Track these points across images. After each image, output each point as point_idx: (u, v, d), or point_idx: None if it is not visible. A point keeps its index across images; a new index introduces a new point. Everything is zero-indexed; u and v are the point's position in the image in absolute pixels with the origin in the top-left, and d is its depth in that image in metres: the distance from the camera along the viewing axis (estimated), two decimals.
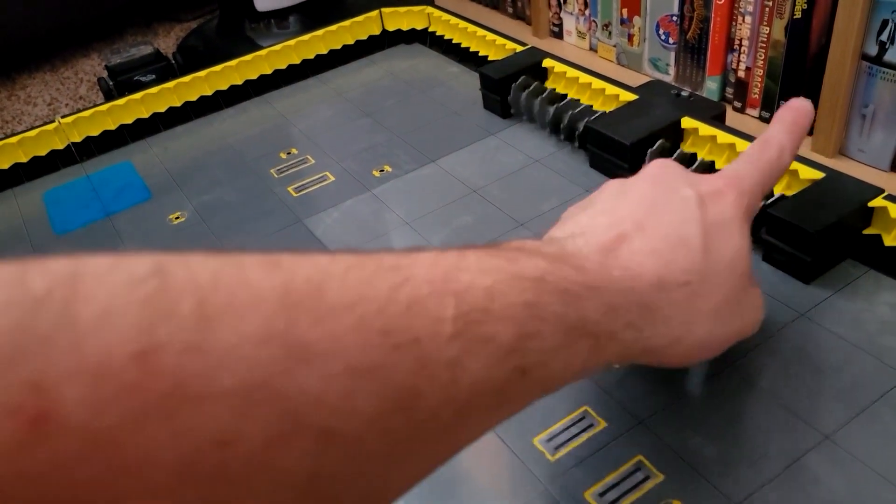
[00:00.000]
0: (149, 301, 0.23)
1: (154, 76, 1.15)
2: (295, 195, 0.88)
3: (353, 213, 0.83)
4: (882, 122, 0.72)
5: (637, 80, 0.98)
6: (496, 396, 0.31)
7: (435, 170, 0.88)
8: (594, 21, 1.04)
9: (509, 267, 0.32)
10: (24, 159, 0.98)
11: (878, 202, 0.62)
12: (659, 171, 0.45)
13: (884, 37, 0.68)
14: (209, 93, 1.08)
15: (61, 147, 1.00)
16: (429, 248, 0.34)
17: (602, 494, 0.49)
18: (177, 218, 0.87)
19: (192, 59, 1.28)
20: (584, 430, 0.54)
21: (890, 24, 0.67)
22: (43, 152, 0.99)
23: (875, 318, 0.59)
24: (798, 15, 0.75)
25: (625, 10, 0.96)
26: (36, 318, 0.21)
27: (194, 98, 1.07)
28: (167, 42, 1.41)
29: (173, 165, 0.98)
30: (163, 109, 1.05)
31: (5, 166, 0.97)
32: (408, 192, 0.85)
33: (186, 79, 1.06)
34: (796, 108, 0.53)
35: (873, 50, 0.70)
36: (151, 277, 0.24)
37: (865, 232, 0.63)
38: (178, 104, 1.06)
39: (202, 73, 1.07)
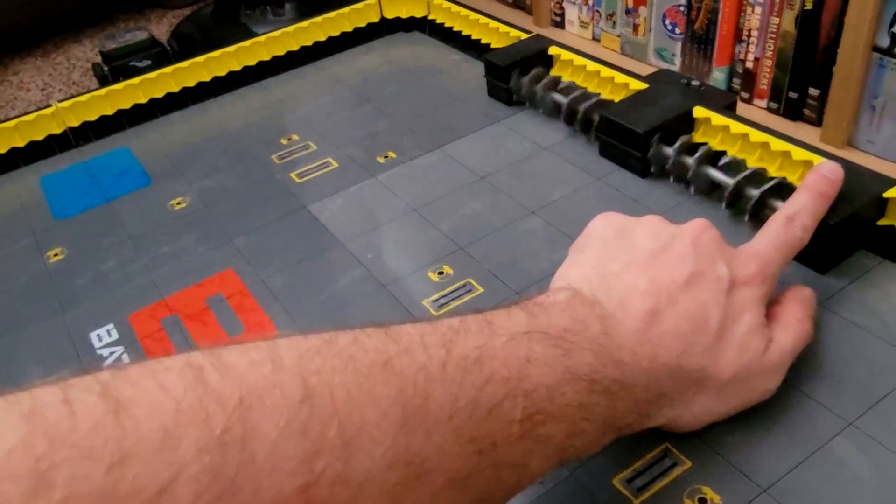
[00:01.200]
0: (305, 431, 0.25)
1: (150, 62, 1.13)
2: (298, 181, 0.87)
3: (358, 199, 0.82)
4: (892, 114, 0.72)
5: (642, 70, 0.98)
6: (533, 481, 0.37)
7: (441, 156, 0.87)
8: (598, 11, 1.03)
9: (566, 361, 0.36)
10: (21, 144, 0.96)
11: (893, 193, 0.62)
12: (701, 233, 0.46)
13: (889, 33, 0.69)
14: (207, 79, 1.06)
15: (58, 132, 0.98)
16: (505, 313, 0.38)
17: (630, 481, 0.49)
18: (178, 203, 0.86)
19: (187, 45, 1.26)
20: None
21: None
22: (40, 137, 0.97)
23: (890, 308, 0.59)
24: (809, 6, 0.75)
25: (630, 0, 0.96)
26: (223, 462, 0.23)
27: (192, 84, 1.05)
28: (160, 29, 1.38)
29: (172, 151, 0.96)
30: (160, 95, 1.03)
31: (2, 151, 0.95)
32: (413, 179, 0.84)
33: (185, 64, 1.04)
34: (826, 177, 0.54)
35: (885, 41, 0.70)
36: (303, 403, 0.26)
37: (880, 223, 0.64)
38: (176, 90, 1.05)
39: (200, 59, 1.05)
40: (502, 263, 0.70)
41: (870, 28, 0.70)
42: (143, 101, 1.03)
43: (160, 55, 1.16)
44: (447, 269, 0.70)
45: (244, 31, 1.23)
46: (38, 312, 0.72)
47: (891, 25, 0.70)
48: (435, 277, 0.70)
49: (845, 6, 0.72)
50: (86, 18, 1.39)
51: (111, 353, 0.67)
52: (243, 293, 0.71)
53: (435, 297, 0.67)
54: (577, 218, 0.74)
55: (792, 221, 0.50)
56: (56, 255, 0.80)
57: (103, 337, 0.68)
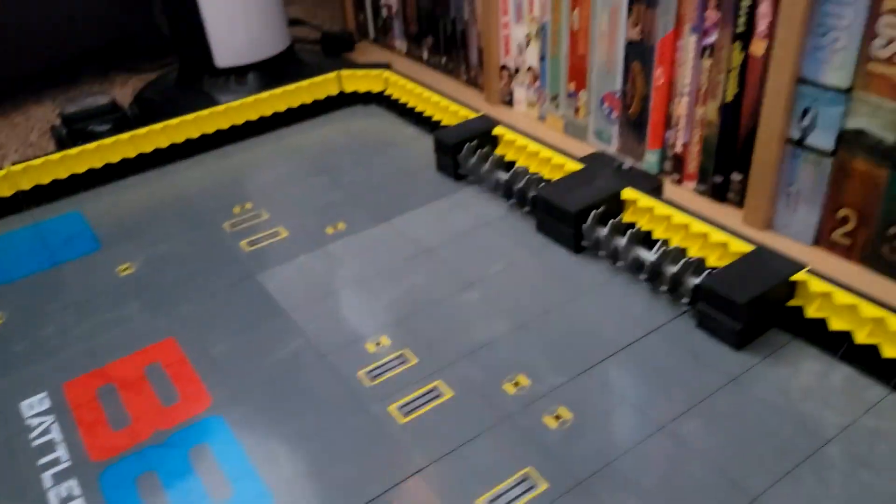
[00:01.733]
0: None
1: (109, 126, 1.15)
2: (248, 249, 0.89)
3: (305, 270, 0.84)
4: (805, 200, 0.78)
5: (583, 149, 1.03)
6: None
7: (388, 229, 0.90)
8: (543, 92, 1.09)
9: None
10: None
11: (800, 276, 0.67)
12: None
13: (805, 122, 0.74)
14: (165, 146, 1.09)
15: (8, 195, 0.99)
16: None
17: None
18: (125, 270, 0.87)
19: (149, 110, 1.29)
20: (526, 492, 0.55)
21: (810, 112, 0.74)
22: None
23: (798, 386, 0.63)
24: (730, 99, 0.81)
25: (572, 85, 1.02)
26: None
27: (149, 150, 1.08)
28: (124, 92, 1.41)
29: (125, 217, 0.98)
30: (116, 160, 1.06)
31: None
32: (361, 251, 0.87)
33: (142, 131, 1.07)
34: None
35: (797, 134, 0.76)
36: None
37: (789, 304, 0.68)
38: (133, 156, 1.07)
39: (158, 127, 1.08)
40: (438, 335, 0.72)
41: (783, 121, 0.76)
42: (98, 165, 1.04)
43: (120, 120, 1.18)
44: (385, 341, 0.72)
45: (207, 98, 1.27)
46: None
47: (801, 119, 0.75)
48: (372, 348, 0.72)
49: (762, 100, 0.78)
50: (49, 79, 1.42)
51: (40, 423, 0.67)
52: (182, 362, 0.72)
53: (370, 367, 0.69)
54: (512, 292, 0.77)
55: None
56: None
57: (34, 406, 0.68)
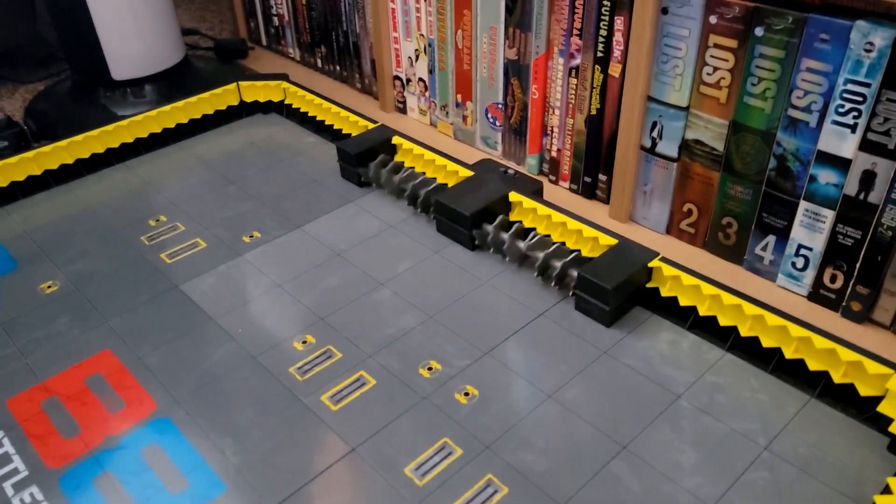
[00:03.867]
0: None
1: (6, 143, 1.15)
2: (168, 261, 0.94)
3: (227, 277, 0.91)
4: (657, 197, 0.93)
5: (472, 154, 1.15)
6: None
7: (301, 235, 0.99)
8: (433, 102, 1.20)
9: None
10: None
11: (655, 263, 0.81)
12: None
13: (655, 133, 0.89)
14: (70, 161, 1.11)
15: None
16: None
17: None
18: (49, 287, 0.91)
19: (43, 123, 1.29)
20: (444, 458, 0.67)
21: (658, 125, 0.88)
22: None
23: (657, 353, 0.78)
24: (594, 112, 0.95)
25: (459, 96, 1.13)
26: None
27: (55, 166, 1.10)
28: (12, 105, 1.39)
29: (38, 234, 1.01)
30: (22, 178, 1.07)
31: None
32: (277, 257, 0.95)
33: (47, 148, 1.09)
34: None
35: (648, 142, 0.91)
36: None
37: (648, 286, 0.82)
38: (39, 173, 1.09)
39: (63, 143, 1.10)
40: (357, 331, 0.82)
41: (637, 132, 0.91)
42: (4, 184, 1.06)
43: (17, 136, 1.18)
44: (310, 339, 0.81)
45: (104, 111, 1.28)
46: None
47: (651, 130, 0.90)
48: (300, 346, 0.80)
49: (612, 116, 0.93)
50: None
51: None
52: (122, 371, 0.78)
53: (300, 364, 0.78)
54: (419, 287, 0.88)
55: None
56: None
57: None
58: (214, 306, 0.87)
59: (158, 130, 1.20)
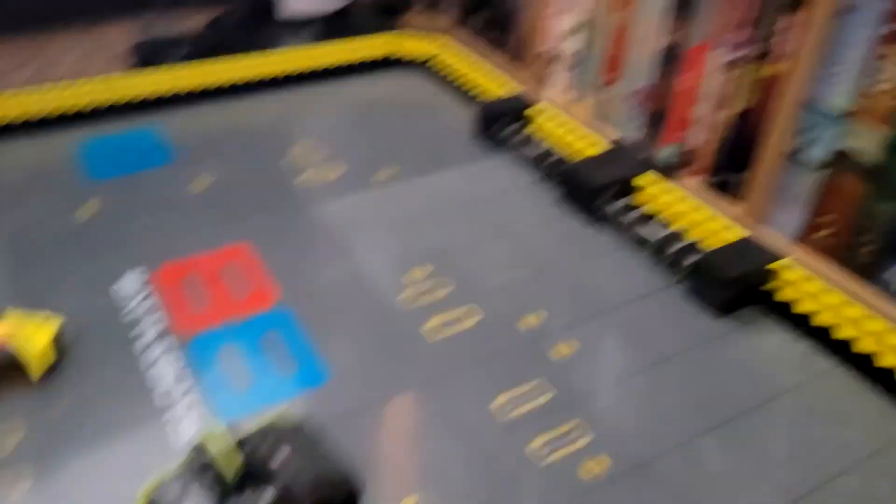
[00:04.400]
0: None
1: (185, 52, 1.26)
2: (308, 182, 1.01)
3: (357, 205, 0.97)
4: (794, 203, 0.91)
5: (607, 136, 1.16)
6: None
7: (429, 181, 1.03)
8: (578, 80, 1.21)
9: None
10: (66, 110, 1.08)
11: (778, 264, 0.80)
12: None
13: (805, 138, 0.87)
14: (236, 79, 1.21)
15: (97, 105, 1.11)
16: None
17: (546, 444, 0.64)
18: (199, 183, 0.99)
19: (216, 45, 1.40)
20: (535, 398, 0.69)
21: (811, 130, 0.86)
22: (82, 106, 1.09)
23: (765, 352, 0.77)
24: (743, 109, 0.94)
25: (605, 77, 1.14)
26: None
27: (222, 81, 1.20)
28: (192, 24, 1.52)
29: (197, 138, 1.10)
30: (192, 86, 1.17)
31: (48, 113, 1.07)
32: (405, 196, 1.00)
33: (217, 61, 1.18)
34: None
35: (796, 147, 0.89)
36: None
37: (766, 287, 0.81)
38: (207, 84, 1.19)
39: (229, 60, 1.19)
40: (469, 272, 0.85)
41: (786, 134, 0.89)
42: (175, 89, 1.16)
43: (194, 49, 1.29)
44: (423, 271, 0.86)
45: (269, 42, 1.38)
46: (73, 255, 0.85)
47: (801, 135, 0.88)
48: (414, 276, 0.85)
49: (763, 115, 0.91)
50: (126, 3, 1.52)
51: (135, 298, 0.79)
52: (255, 264, 0.85)
53: (410, 291, 0.82)
54: (534, 247, 0.91)
55: None
56: (90, 210, 0.93)
57: (129, 285, 0.81)
58: (343, 227, 0.92)
59: (312, 67, 1.28)
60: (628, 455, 0.64)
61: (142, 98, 1.14)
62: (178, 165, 1.03)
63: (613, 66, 1.13)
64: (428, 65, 1.35)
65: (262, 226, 0.91)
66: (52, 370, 0.69)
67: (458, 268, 0.86)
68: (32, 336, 0.69)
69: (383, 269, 0.85)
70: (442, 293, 0.82)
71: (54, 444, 0.63)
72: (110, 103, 1.12)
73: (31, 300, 0.78)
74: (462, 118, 1.19)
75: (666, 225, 0.88)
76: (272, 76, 1.24)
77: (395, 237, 0.91)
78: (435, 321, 0.78)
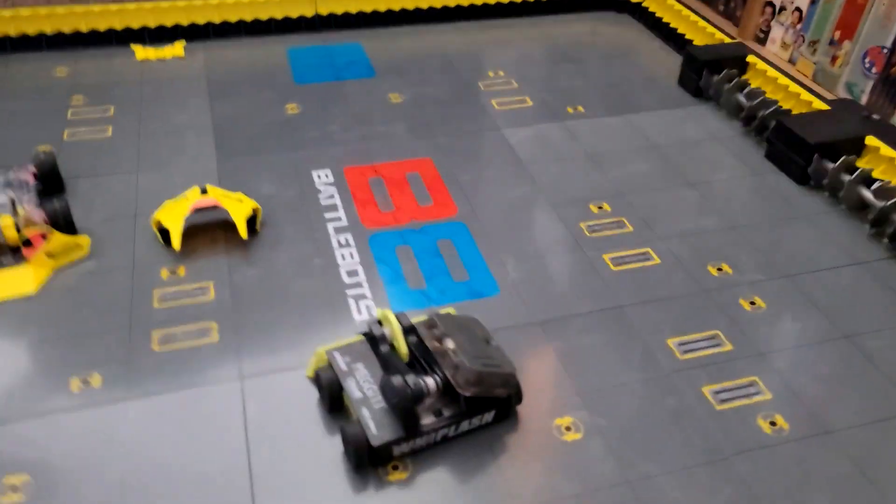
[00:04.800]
0: None
1: None
2: (497, 108, 1.01)
3: (544, 135, 0.95)
4: None
5: (831, 95, 1.05)
6: None
7: (623, 121, 0.99)
8: (803, 36, 1.10)
9: None
10: (278, 17, 1.15)
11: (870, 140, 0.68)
12: None
13: None
14: (437, 5, 1.22)
15: (308, 16, 1.16)
16: None
17: (717, 393, 0.60)
18: (395, 98, 1.02)
19: None
20: (712, 347, 0.65)
21: None
22: (294, 15, 1.16)
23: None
24: None
25: (837, 33, 1.02)
26: None
27: (424, 6, 1.21)
28: None
29: (397, 57, 1.13)
30: (396, 8, 1.20)
31: (262, 18, 1.15)
32: (595, 132, 0.96)
33: None
34: None
35: None
36: None
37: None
38: (408, 7, 1.21)
39: None
40: (654, 215, 0.81)
41: None
42: (381, 9, 1.19)
43: None
44: (606, 207, 0.82)
45: None
46: (274, 146, 0.90)
47: None
48: (595, 210, 0.82)
49: None
50: None
51: (326, 190, 0.83)
52: (436, 177, 0.86)
53: (591, 223, 0.80)
54: (729, 199, 0.84)
55: None
56: (293, 108, 0.98)
57: (322, 178, 0.85)
58: (527, 154, 0.91)
59: (518, 1, 1.26)
60: (807, 420, 0.58)
61: (350, 14, 1.18)
62: (377, 80, 1.06)
63: (848, 22, 1.01)
64: (632, 9, 1.28)
65: (448, 143, 0.92)
66: (252, 238, 0.75)
67: (640, 209, 0.82)
68: (239, 203, 0.75)
69: (562, 200, 0.83)
70: (620, 230, 0.79)
71: (247, 302, 0.68)
72: (315, 15, 1.17)
73: (233, 181, 0.84)
74: (667, 65, 1.12)
75: (890, 192, 0.78)
76: (473, 6, 1.24)
77: (579, 170, 0.88)
78: (612, 255, 0.75)
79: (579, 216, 0.81)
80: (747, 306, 0.69)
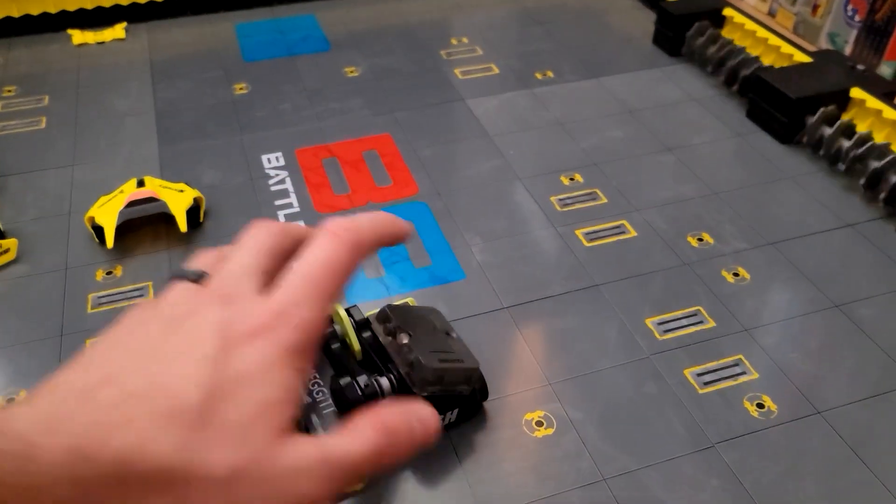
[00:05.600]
0: None
1: None
2: (460, 77, 0.95)
3: (511, 104, 0.89)
4: None
5: (813, 47, 0.99)
6: None
7: (595, 85, 0.93)
8: None
9: None
10: None
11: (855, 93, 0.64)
12: (183, 296, 0.32)
13: None
14: None
15: None
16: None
17: (700, 375, 0.55)
18: (351, 71, 0.95)
19: None
20: (693, 324, 0.60)
21: None
22: None
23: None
24: None
25: None
26: None
27: None
28: None
29: (353, 28, 1.06)
30: None
31: None
32: (565, 98, 0.90)
33: None
34: (394, 219, 0.38)
35: None
36: None
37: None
38: None
39: None
40: (629, 184, 0.76)
41: None
42: None
43: None
44: (578, 178, 0.77)
45: None
46: (221, 129, 0.84)
47: None
48: (566, 181, 0.76)
49: None
50: None
51: (276, 175, 0.77)
52: (395, 155, 0.80)
53: (562, 196, 0.74)
54: (709, 163, 0.79)
55: (337, 235, 0.34)
56: (241, 88, 0.92)
57: (272, 161, 0.79)
58: (493, 125, 0.85)
59: None
60: (797, 400, 0.54)
61: None
62: (332, 53, 1.00)
63: None
64: None
65: (408, 117, 0.86)
66: (194, 231, 0.69)
67: (615, 178, 0.77)
68: (179, 194, 0.69)
69: (531, 172, 0.77)
70: (594, 202, 0.73)
71: None
72: None
73: (176, 170, 0.78)
74: (642, 24, 1.06)
75: (880, 149, 0.73)
76: None
77: (547, 140, 0.83)
78: (585, 229, 0.70)
79: (550, 189, 0.75)
80: (730, 278, 0.64)
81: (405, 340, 0.50)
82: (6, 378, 0.56)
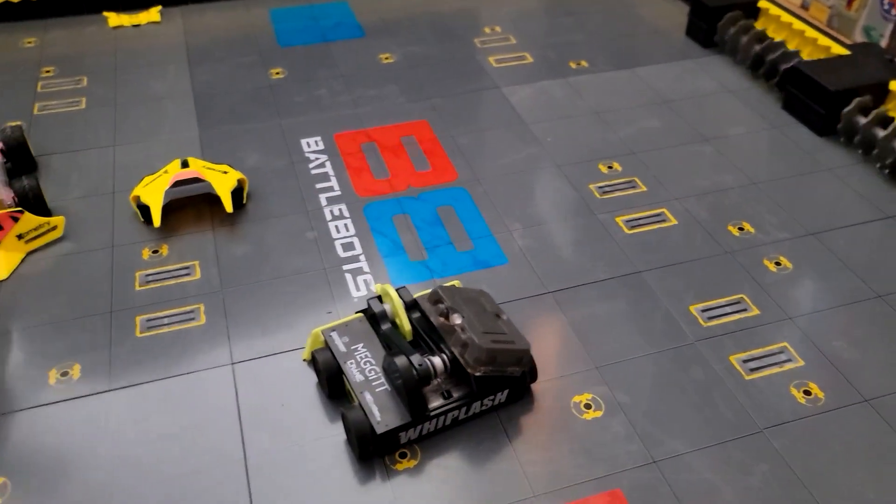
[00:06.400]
0: None
1: None
2: (495, 66, 0.95)
3: (546, 93, 0.89)
4: None
5: (850, 40, 0.99)
6: None
7: (630, 76, 0.93)
8: None
9: None
10: None
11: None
12: None
13: None
14: None
15: None
16: None
17: (746, 362, 0.56)
18: (386, 58, 0.96)
19: None
20: (737, 312, 0.60)
21: None
22: None
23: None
24: None
25: None
26: None
27: None
28: None
29: (387, 15, 1.06)
30: None
31: None
32: (600, 88, 0.90)
33: None
34: None
35: None
36: None
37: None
38: None
39: None
40: (668, 173, 0.76)
41: None
42: None
43: None
44: (616, 166, 0.77)
45: None
46: (260, 113, 0.85)
47: None
48: (604, 169, 0.77)
49: None
50: None
51: (316, 159, 0.78)
52: (433, 141, 0.81)
53: (601, 184, 0.75)
54: (747, 154, 0.79)
55: None
56: (277, 73, 0.92)
57: (311, 145, 0.80)
58: (530, 113, 0.85)
59: None
60: (844, 388, 0.54)
61: None
62: (366, 40, 1.00)
63: None
64: None
65: (445, 104, 0.86)
66: (238, 212, 0.69)
67: (653, 167, 0.77)
68: (224, 175, 0.69)
69: (568, 160, 0.78)
70: (633, 190, 0.74)
71: (235, 281, 0.63)
72: None
73: (217, 152, 0.78)
74: (672, 15, 1.06)
75: None
76: None
77: (584, 129, 0.83)
78: (625, 217, 0.70)
79: (588, 177, 0.75)
80: (772, 267, 0.64)
81: (458, 321, 0.51)
82: (59, 352, 0.57)
